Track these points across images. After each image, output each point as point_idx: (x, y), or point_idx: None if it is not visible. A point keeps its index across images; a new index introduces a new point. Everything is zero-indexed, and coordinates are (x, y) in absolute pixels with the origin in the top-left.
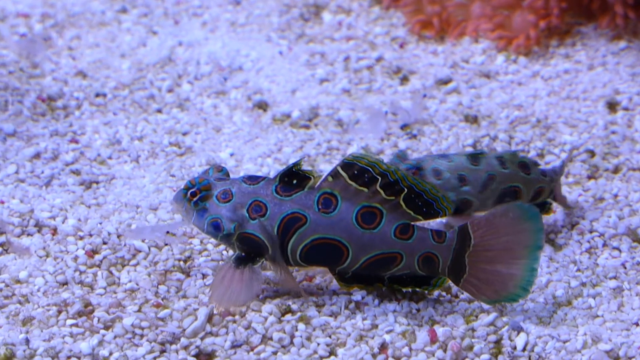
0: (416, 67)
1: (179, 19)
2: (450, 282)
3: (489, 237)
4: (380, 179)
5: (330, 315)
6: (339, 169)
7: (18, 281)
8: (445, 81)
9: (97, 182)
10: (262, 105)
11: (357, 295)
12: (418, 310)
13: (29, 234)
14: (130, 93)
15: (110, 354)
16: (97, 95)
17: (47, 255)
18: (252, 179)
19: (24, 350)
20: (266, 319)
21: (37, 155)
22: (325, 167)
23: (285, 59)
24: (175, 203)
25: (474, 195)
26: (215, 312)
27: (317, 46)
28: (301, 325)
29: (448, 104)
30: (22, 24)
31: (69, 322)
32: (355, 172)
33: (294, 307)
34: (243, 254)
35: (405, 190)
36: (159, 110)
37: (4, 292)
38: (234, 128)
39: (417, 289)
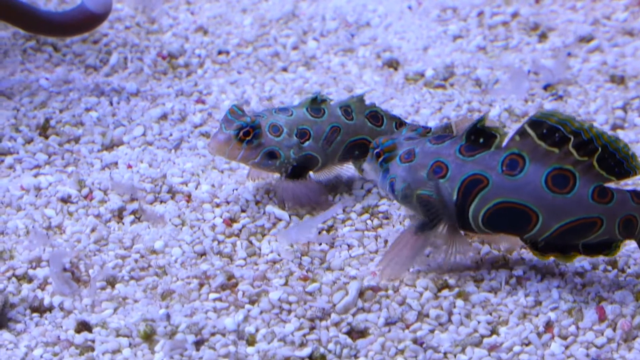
0: (554, 23)
1: None
2: None
3: None
4: (572, 137)
5: (490, 291)
6: (527, 127)
7: (154, 251)
8: (587, 39)
9: None
10: (393, 64)
11: (519, 269)
12: (583, 285)
13: (162, 201)
14: (254, 50)
15: (257, 330)
16: (220, 52)
17: (183, 224)
18: (439, 138)
19: (165, 327)
20: (421, 294)
21: (164, 117)
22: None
23: (414, 14)
24: (368, 164)
25: (318, 151)
26: (376, 281)
27: (447, 1)
28: (459, 302)
29: (591, 63)
30: None
31: (212, 295)
32: (545, 131)
33: (451, 281)
34: (425, 220)
35: (599, 149)
36: (285, 69)
37: (139, 263)
38: (366, 88)
39: (606, 256)
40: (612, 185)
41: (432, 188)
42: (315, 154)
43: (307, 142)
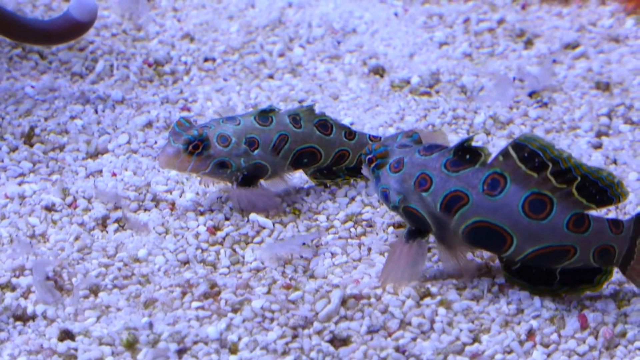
0: (540, 30)
1: None
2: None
3: None
4: (551, 165)
5: (473, 299)
6: (510, 148)
7: (137, 260)
8: (573, 45)
9: None
10: (379, 71)
11: (501, 277)
12: None
13: (146, 209)
14: (240, 57)
15: (240, 338)
16: (206, 59)
17: (167, 232)
18: (428, 149)
19: (148, 335)
20: (404, 302)
21: (149, 124)
22: (451, 138)
23: (401, 21)
24: (365, 167)
25: (266, 159)
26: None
27: (433, 7)
28: (442, 310)
29: (577, 70)
30: None
31: (195, 304)
32: (526, 154)
33: (433, 290)
34: (413, 228)
35: (579, 178)
36: (271, 76)
37: (122, 271)
38: (351, 95)
39: (588, 286)
40: (594, 212)
41: (416, 201)
42: (265, 162)
43: (256, 151)
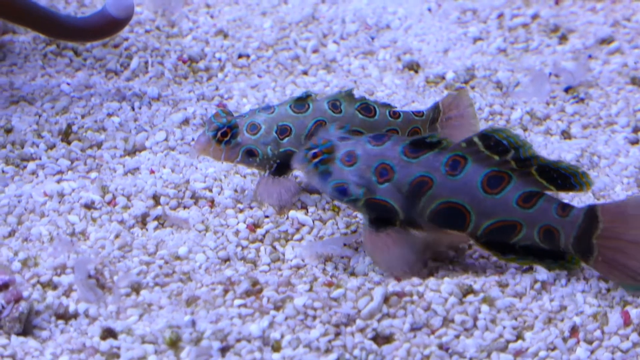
0: (574, 25)
1: None
2: None
3: (619, 225)
4: (513, 151)
5: (515, 296)
6: (475, 137)
7: (178, 257)
8: (607, 41)
9: None
10: (413, 66)
11: (543, 274)
12: (608, 290)
13: (185, 207)
14: (274, 54)
15: (282, 336)
16: (240, 56)
17: (207, 230)
18: (377, 139)
19: (191, 333)
20: (446, 299)
21: (185, 121)
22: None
23: (434, 16)
24: (298, 164)
25: (299, 147)
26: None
27: (467, 2)
28: (484, 307)
29: (612, 65)
30: None
31: (237, 302)
32: (492, 143)
33: (476, 287)
34: (374, 217)
35: (536, 167)
36: (305, 72)
37: (164, 269)
38: (387, 91)
39: (554, 264)
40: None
41: (384, 192)
42: (296, 149)
43: (286, 139)
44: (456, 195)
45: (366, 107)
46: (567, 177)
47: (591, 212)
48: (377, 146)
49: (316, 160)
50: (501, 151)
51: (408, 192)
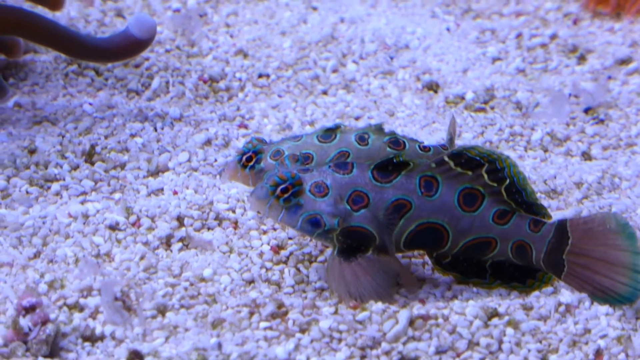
0: (593, 45)
1: None
2: None
3: (586, 242)
4: (487, 164)
5: (540, 319)
6: (445, 157)
7: (203, 279)
8: (626, 61)
9: None
10: (433, 86)
11: (567, 297)
12: (632, 313)
13: (209, 228)
14: (294, 73)
15: (308, 359)
16: (260, 76)
17: (231, 251)
18: (342, 167)
19: (217, 356)
20: (471, 322)
21: (208, 142)
22: (508, 154)
23: (453, 36)
24: (257, 200)
25: None
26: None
27: (485, 22)
28: (509, 330)
29: (631, 86)
30: None
31: (263, 324)
32: (463, 160)
33: (501, 310)
34: (345, 246)
35: (507, 180)
36: (325, 92)
37: (189, 291)
38: (407, 111)
39: (520, 286)
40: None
41: (360, 219)
42: None
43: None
44: (435, 215)
45: (395, 141)
46: (530, 204)
47: (561, 227)
48: (345, 174)
49: (287, 194)
50: (474, 166)
51: (385, 217)
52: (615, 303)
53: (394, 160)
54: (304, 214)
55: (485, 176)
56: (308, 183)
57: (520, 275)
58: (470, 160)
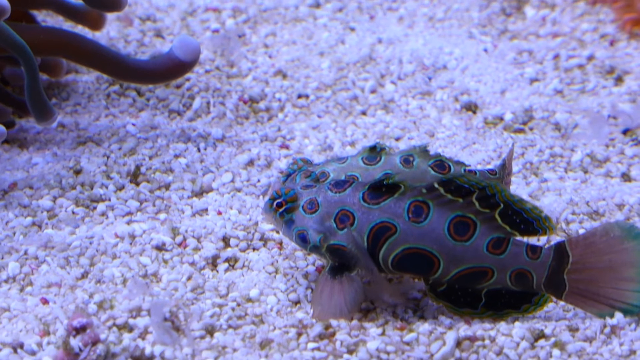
0: (629, 66)
1: (373, 13)
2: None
3: (589, 256)
4: (477, 191)
5: (586, 340)
6: (435, 184)
7: (249, 300)
8: None
9: None
10: (471, 107)
11: (613, 318)
12: None
13: (254, 248)
14: (332, 94)
15: None
16: (300, 96)
17: (277, 272)
18: (338, 186)
19: None
20: (518, 344)
21: (250, 162)
22: (548, 176)
23: (490, 57)
24: (265, 213)
25: None
26: (472, 330)
27: (522, 43)
28: (556, 351)
29: None
30: (213, 18)
31: (311, 345)
32: (453, 187)
33: (547, 331)
34: (336, 264)
35: (501, 205)
36: (364, 112)
37: (236, 311)
38: (447, 132)
39: (514, 312)
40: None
41: (342, 238)
42: None
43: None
44: (423, 241)
45: (440, 164)
46: (530, 221)
47: (560, 248)
48: (337, 193)
49: (280, 209)
50: (465, 194)
51: (368, 238)
52: (626, 314)
53: (384, 182)
54: (295, 229)
55: (477, 203)
56: (303, 199)
57: (516, 301)
58: (460, 188)
